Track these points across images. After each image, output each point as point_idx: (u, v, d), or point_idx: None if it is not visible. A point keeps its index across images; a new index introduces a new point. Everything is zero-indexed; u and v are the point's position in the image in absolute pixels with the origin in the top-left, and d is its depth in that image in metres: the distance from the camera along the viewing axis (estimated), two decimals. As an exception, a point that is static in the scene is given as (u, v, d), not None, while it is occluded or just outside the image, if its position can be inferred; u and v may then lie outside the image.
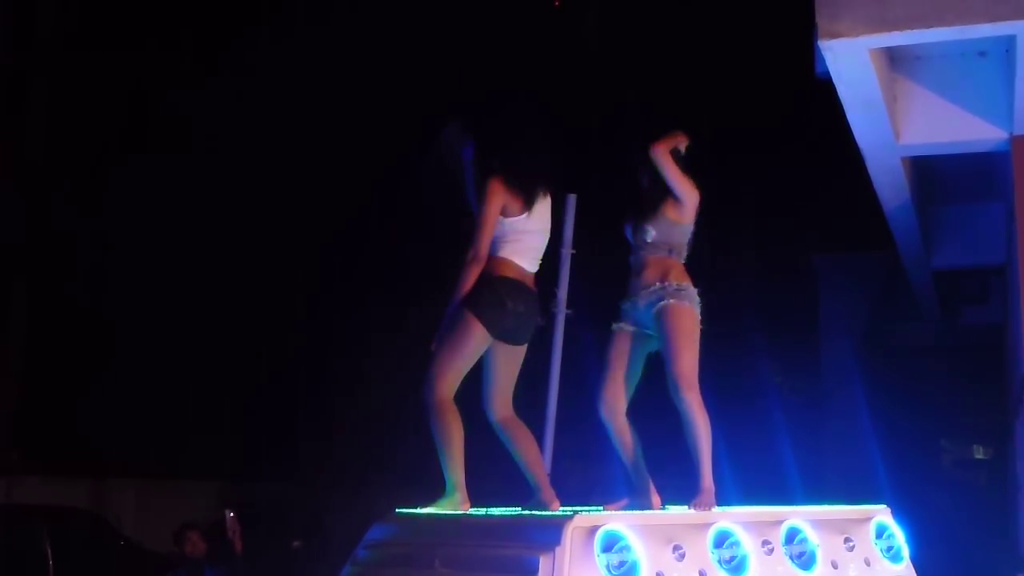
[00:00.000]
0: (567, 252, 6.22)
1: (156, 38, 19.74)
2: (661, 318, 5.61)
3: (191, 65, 19.68)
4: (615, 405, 5.77)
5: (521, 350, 5.60)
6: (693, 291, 5.70)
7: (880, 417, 16.80)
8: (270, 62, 19.56)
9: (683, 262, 5.81)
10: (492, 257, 5.48)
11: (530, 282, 5.55)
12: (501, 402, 5.55)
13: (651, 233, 5.77)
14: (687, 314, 5.62)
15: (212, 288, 18.83)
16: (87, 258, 19.36)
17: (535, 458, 5.50)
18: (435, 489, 5.35)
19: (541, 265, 5.65)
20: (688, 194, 5.76)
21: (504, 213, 5.48)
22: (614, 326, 5.84)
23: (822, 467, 16.78)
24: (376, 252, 18.56)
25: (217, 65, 19.52)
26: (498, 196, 5.43)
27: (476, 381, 5.49)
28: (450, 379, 5.40)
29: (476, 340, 5.40)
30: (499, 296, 5.40)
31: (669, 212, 5.77)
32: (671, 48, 17.86)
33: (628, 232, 5.91)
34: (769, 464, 13.30)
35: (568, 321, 6.37)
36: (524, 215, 5.51)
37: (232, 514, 10.19)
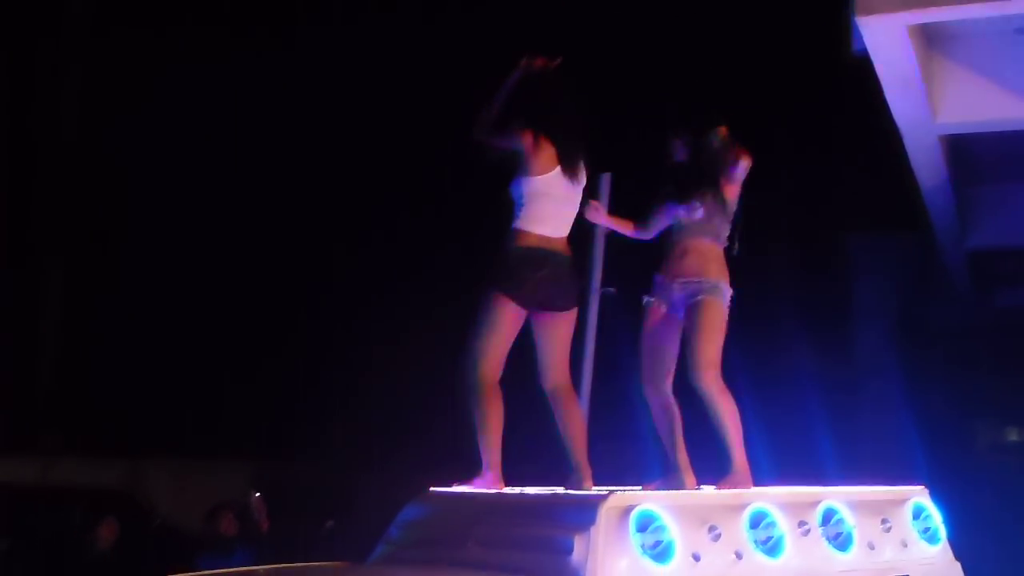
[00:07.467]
0: (602, 231, 6.18)
1: (187, 21, 19.79)
2: (694, 311, 5.60)
3: (227, 47, 19.69)
4: (660, 381, 5.74)
5: (565, 317, 5.52)
6: (727, 289, 5.68)
7: (915, 399, 16.70)
8: (301, 49, 19.56)
9: (723, 247, 5.76)
10: (511, 230, 5.44)
11: (556, 246, 5.46)
12: (551, 372, 5.50)
13: (700, 211, 5.71)
14: (718, 309, 5.62)
15: (246, 270, 18.89)
16: (122, 240, 19.46)
17: (577, 434, 5.45)
18: (468, 468, 5.33)
19: (577, 245, 5.59)
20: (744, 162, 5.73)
21: (531, 171, 5.43)
22: (646, 300, 5.79)
23: (857, 449, 16.69)
24: (410, 233, 18.56)
25: (254, 48, 19.55)
26: (523, 141, 5.40)
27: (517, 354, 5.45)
28: (491, 359, 5.35)
29: (508, 315, 5.34)
30: (518, 265, 5.35)
31: (722, 191, 5.72)
32: (704, 27, 17.75)
33: (672, 209, 5.81)
34: (804, 446, 13.23)
35: (605, 300, 6.34)
36: (553, 172, 5.44)
37: (258, 495, 10.25)
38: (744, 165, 5.70)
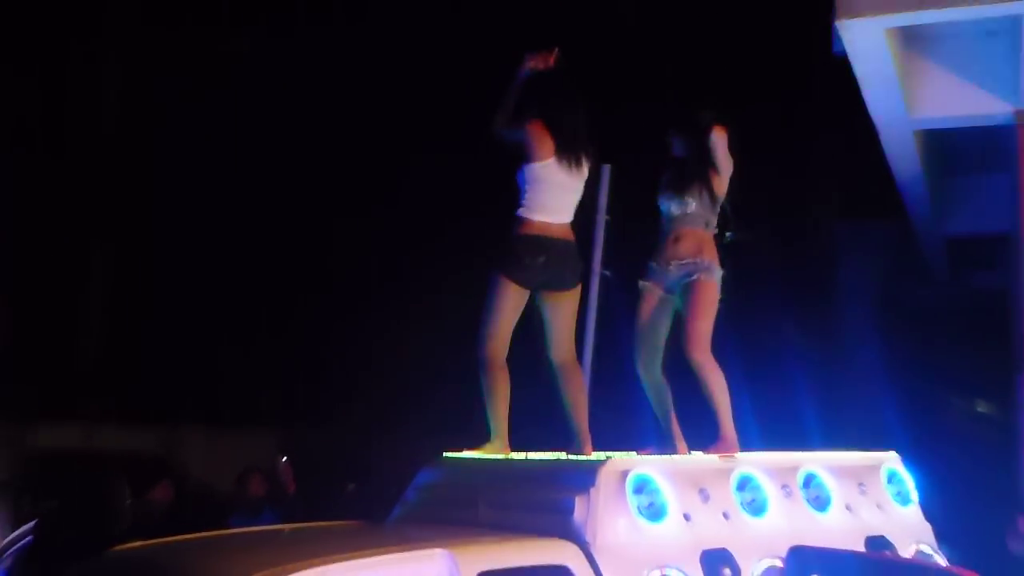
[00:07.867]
0: (601, 218, 6.25)
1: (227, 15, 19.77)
2: (690, 290, 5.67)
3: (264, 37, 19.66)
4: (650, 360, 5.82)
5: (567, 296, 5.59)
6: (719, 269, 5.76)
7: (894, 374, 16.71)
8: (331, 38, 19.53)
9: (713, 233, 5.83)
10: (515, 217, 5.51)
11: (556, 232, 5.50)
12: (557, 347, 5.58)
13: (692, 205, 5.77)
14: (712, 289, 5.70)
15: (275, 244, 18.89)
16: (162, 216, 19.47)
17: (579, 405, 5.54)
18: (477, 434, 5.42)
19: (580, 232, 5.65)
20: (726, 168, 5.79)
21: (531, 158, 5.49)
22: (641, 284, 5.86)
23: (839, 420, 16.71)
24: (426, 208, 18.54)
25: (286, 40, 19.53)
26: (527, 131, 5.46)
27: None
28: (497, 337, 5.43)
29: (510, 296, 5.43)
30: (516, 254, 5.41)
31: (713, 185, 5.78)
32: (700, 24, 17.71)
33: (666, 203, 5.88)
34: (789, 417, 13.27)
35: (604, 282, 6.42)
36: (551, 160, 5.48)
37: (285, 459, 10.29)
38: (716, 137, 5.73)
